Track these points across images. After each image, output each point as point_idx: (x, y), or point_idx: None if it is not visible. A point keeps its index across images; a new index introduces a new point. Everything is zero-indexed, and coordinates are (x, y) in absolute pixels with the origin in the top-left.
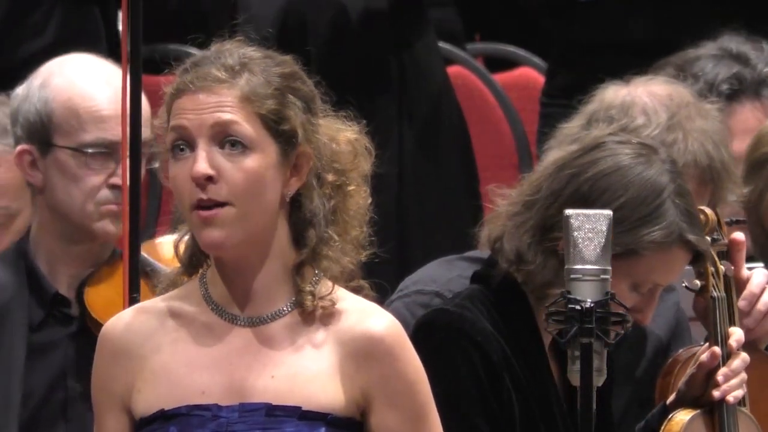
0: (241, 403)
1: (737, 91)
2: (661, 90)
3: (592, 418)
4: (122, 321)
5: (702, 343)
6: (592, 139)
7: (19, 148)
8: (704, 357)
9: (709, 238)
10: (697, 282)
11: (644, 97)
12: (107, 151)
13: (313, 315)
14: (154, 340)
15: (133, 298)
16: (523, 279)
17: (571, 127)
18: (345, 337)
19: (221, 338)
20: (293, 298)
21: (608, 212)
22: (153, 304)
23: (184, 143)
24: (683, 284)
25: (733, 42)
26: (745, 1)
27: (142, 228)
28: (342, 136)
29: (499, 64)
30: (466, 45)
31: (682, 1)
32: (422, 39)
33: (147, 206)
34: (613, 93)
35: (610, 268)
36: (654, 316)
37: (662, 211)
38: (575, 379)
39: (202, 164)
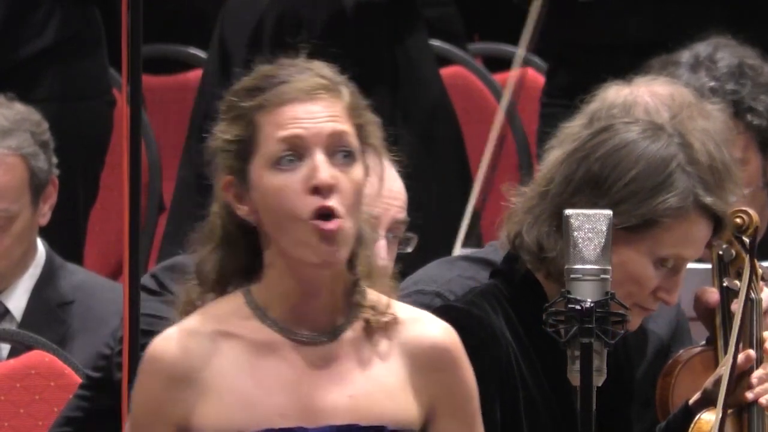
0: (329, 425)
1: None
2: (663, 90)
3: (592, 418)
4: (176, 344)
5: (703, 344)
6: (600, 124)
7: None
8: (738, 359)
9: (747, 240)
10: (737, 282)
11: (646, 96)
12: None
13: (372, 328)
14: (212, 363)
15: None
16: (547, 270)
17: (573, 126)
18: (411, 350)
19: (286, 358)
20: (349, 314)
21: (608, 212)
22: (198, 325)
23: (293, 153)
24: (724, 284)
25: (707, 48)
26: (744, 3)
27: (142, 228)
28: None
29: (499, 64)
30: (466, 45)
31: (682, 1)
32: (414, 36)
33: (147, 206)
34: (615, 92)
35: (610, 267)
36: (654, 316)
37: (673, 179)
38: (575, 379)
39: (326, 172)
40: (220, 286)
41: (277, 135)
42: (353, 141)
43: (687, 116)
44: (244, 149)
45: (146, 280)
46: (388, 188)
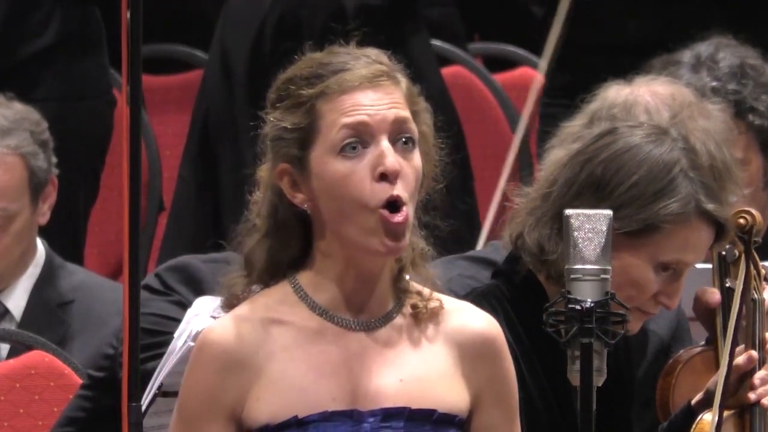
0: (382, 408)
1: None
2: (664, 90)
3: (592, 418)
4: (230, 331)
5: (702, 344)
6: (601, 124)
7: None
8: (740, 360)
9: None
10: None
11: (647, 96)
12: None
13: (418, 316)
14: (265, 349)
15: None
16: (547, 272)
17: (574, 125)
18: (457, 338)
19: (337, 343)
20: (397, 301)
21: (608, 212)
22: (249, 312)
23: (358, 140)
24: (726, 284)
25: (708, 47)
26: (744, 3)
27: (142, 228)
28: None
29: (499, 64)
30: (466, 45)
31: (683, 1)
32: (415, 36)
33: (147, 206)
34: (615, 92)
35: (610, 267)
36: (655, 317)
37: (676, 184)
38: (575, 379)
39: (393, 158)
40: (267, 276)
41: (342, 121)
42: (413, 127)
43: (687, 116)
44: (303, 137)
45: (150, 279)
46: None
